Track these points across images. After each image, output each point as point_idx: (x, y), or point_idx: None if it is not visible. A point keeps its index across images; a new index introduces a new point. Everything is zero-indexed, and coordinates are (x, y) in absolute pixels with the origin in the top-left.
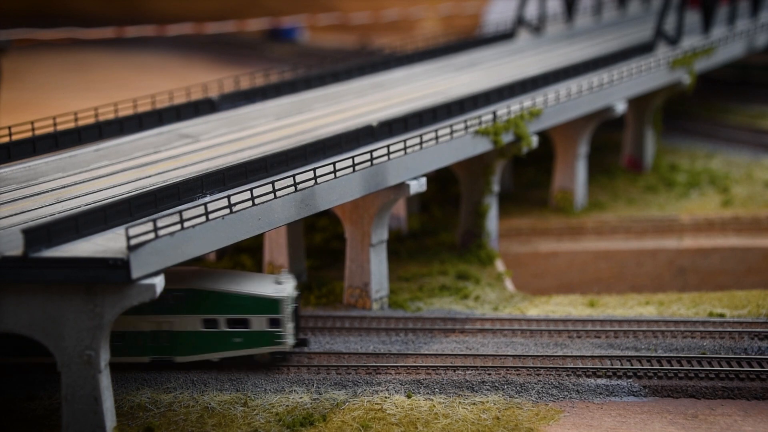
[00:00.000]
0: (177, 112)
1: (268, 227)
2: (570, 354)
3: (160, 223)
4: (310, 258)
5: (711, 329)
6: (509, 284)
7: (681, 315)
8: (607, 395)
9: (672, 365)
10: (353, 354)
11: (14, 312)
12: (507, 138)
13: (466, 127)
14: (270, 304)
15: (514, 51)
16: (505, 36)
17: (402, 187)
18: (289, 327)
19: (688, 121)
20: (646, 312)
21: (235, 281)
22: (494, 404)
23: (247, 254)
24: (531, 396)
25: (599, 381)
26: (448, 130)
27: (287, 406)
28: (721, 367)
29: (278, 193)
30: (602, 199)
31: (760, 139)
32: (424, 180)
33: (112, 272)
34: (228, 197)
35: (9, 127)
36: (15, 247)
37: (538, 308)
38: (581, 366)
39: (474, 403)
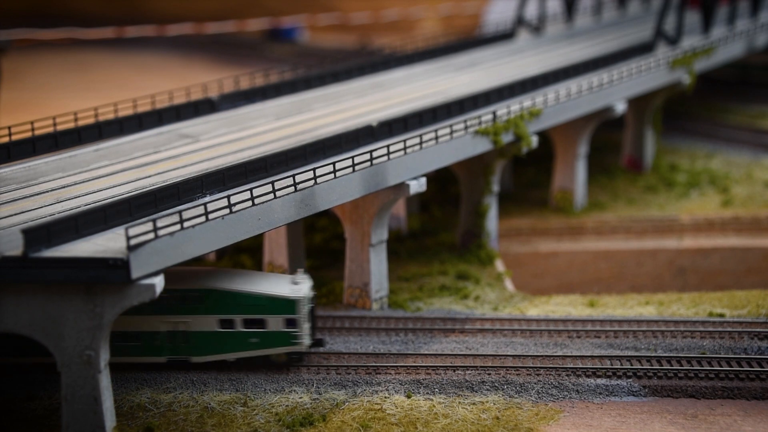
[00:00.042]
0: (177, 112)
1: (267, 227)
2: (570, 354)
3: (160, 223)
4: (310, 258)
5: (711, 329)
6: (509, 284)
7: (681, 315)
8: (606, 395)
9: (672, 365)
10: (353, 354)
11: (14, 312)
12: (507, 138)
13: (466, 127)
14: (286, 305)
15: (514, 51)
16: (505, 36)
17: (402, 187)
18: (306, 327)
19: (688, 121)
20: (646, 312)
21: (251, 281)
22: (494, 404)
23: (247, 254)
24: (531, 396)
25: (599, 381)
26: (448, 130)
27: (287, 406)
28: (721, 367)
29: (278, 193)
30: (602, 199)
31: (760, 139)
32: (424, 180)
33: (112, 272)
34: (228, 197)
35: (9, 127)
36: (15, 247)
37: (538, 308)
38: (581, 366)
39: (474, 403)
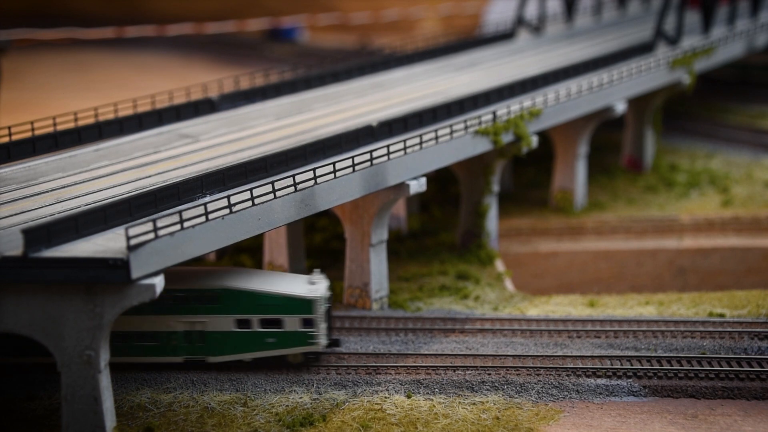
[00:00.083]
0: (177, 112)
1: (267, 227)
2: (570, 354)
3: (160, 223)
4: (310, 258)
5: (711, 329)
6: (509, 284)
7: (681, 315)
8: (607, 395)
9: (672, 365)
10: (353, 354)
11: (14, 312)
12: (507, 138)
13: (466, 127)
14: (303, 305)
15: (514, 51)
16: (505, 36)
17: (402, 187)
18: (322, 327)
19: (688, 121)
20: (646, 312)
21: (268, 281)
22: (494, 404)
23: (247, 254)
24: (531, 396)
25: (599, 381)
26: (447, 130)
27: (287, 406)
28: (721, 367)
29: (278, 193)
30: (602, 199)
31: (760, 139)
32: (424, 180)
33: (112, 272)
34: (228, 197)
35: (9, 127)
36: (15, 247)
37: (538, 308)
38: (581, 366)
39: (474, 403)
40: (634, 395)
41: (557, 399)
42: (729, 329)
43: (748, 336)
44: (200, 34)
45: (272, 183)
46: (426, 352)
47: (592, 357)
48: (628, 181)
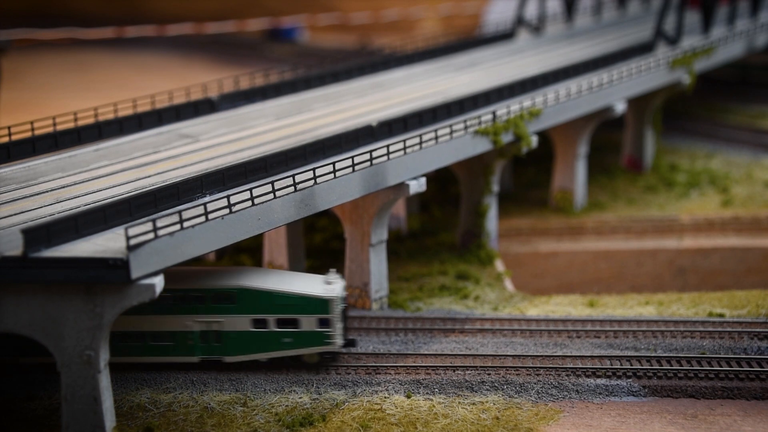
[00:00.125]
0: (177, 112)
1: (267, 227)
2: (570, 354)
3: (159, 223)
4: (310, 258)
5: (711, 329)
6: (509, 284)
7: (681, 315)
8: (606, 395)
9: (672, 365)
10: (353, 354)
11: (14, 312)
12: (507, 138)
13: (466, 127)
14: (320, 304)
15: (514, 51)
16: (504, 36)
17: (402, 187)
18: (339, 327)
19: (688, 121)
20: (646, 312)
21: (284, 281)
22: (494, 404)
23: (246, 254)
24: (531, 396)
25: (599, 381)
26: (447, 130)
27: (287, 406)
28: (721, 367)
29: (278, 193)
30: (602, 199)
31: (760, 139)
32: (423, 180)
33: (112, 272)
34: (227, 197)
35: (9, 127)
36: (15, 247)
37: (537, 308)
38: (581, 366)
39: (473, 403)
40: (633, 395)
41: (557, 399)
42: (729, 329)
43: (747, 336)
44: (200, 34)
45: (272, 183)
46: (426, 352)
47: (592, 357)
48: (628, 181)
